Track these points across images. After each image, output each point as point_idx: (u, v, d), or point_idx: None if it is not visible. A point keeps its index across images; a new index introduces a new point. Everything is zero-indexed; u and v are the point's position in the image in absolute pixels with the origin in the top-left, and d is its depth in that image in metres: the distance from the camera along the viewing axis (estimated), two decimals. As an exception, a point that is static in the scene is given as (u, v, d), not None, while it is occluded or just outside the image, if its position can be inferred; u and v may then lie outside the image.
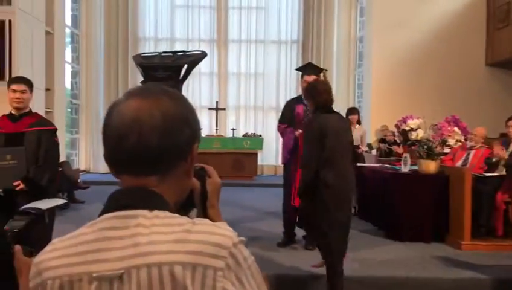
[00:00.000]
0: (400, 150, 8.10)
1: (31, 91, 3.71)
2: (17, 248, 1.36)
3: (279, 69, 12.65)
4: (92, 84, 12.46)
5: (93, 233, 0.88)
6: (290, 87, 12.79)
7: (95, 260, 0.86)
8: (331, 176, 3.50)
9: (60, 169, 7.65)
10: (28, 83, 3.70)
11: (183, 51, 1.74)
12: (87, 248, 0.87)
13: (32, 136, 3.61)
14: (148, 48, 12.57)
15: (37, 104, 9.47)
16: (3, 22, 8.57)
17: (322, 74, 4.94)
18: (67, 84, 11.84)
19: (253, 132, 12.09)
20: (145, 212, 0.88)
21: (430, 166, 5.49)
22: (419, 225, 5.41)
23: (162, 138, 0.89)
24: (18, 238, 1.49)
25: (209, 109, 11.56)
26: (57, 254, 0.89)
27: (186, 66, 1.61)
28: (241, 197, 8.26)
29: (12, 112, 3.68)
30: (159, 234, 0.85)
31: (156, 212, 0.88)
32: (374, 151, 9.28)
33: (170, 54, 1.67)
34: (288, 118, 5.11)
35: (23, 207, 2.16)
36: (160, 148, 0.89)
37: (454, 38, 10.29)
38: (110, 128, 0.92)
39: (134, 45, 12.43)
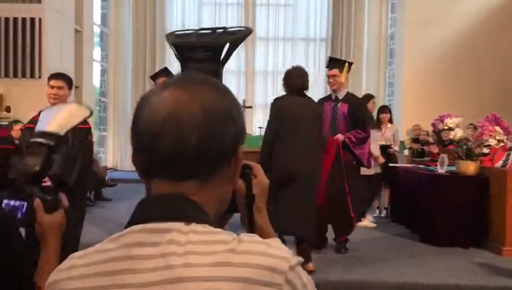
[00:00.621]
0: (435, 149, 7.79)
1: (70, 88, 3.64)
2: (37, 202, 1.24)
3: (307, 66, 12.34)
4: (120, 82, 12.50)
5: (117, 250, 0.72)
6: (318, 85, 12.54)
7: (118, 284, 0.70)
8: (273, 157, 3.78)
9: (88, 166, 7.65)
10: (67, 80, 3.62)
11: (223, 28, 1.54)
12: (110, 268, 0.71)
13: (66, 134, 3.53)
14: (176, 45, 12.49)
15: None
16: (33, 19, 8.63)
17: (345, 66, 4.68)
18: (96, 82, 11.91)
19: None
20: (180, 225, 0.72)
21: (469, 167, 5.21)
22: (457, 229, 5.14)
23: (202, 137, 0.73)
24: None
25: (236, 107, 11.50)
26: (76, 274, 0.74)
27: (228, 45, 1.40)
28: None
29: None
30: (196, 254, 0.69)
31: (193, 226, 0.72)
32: (406, 151, 8.98)
33: (209, 31, 1.47)
34: None
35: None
36: (200, 149, 0.73)
37: (491, 34, 9.87)
38: (141, 126, 0.76)
39: (161, 43, 12.40)
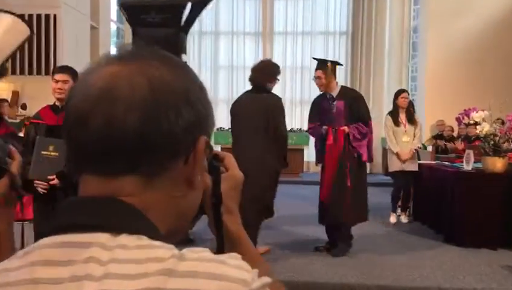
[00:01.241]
0: (460, 145, 7.46)
1: (75, 81, 3.47)
2: None
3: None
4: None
5: (18, 270, 0.54)
6: (339, 80, 12.23)
7: None
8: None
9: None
10: (72, 73, 3.45)
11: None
12: None
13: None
14: (193, 42, 12.39)
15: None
16: (48, 16, 8.59)
17: (328, 67, 4.52)
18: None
19: (299, 127, 11.65)
20: (105, 237, 0.53)
21: (497, 163, 4.90)
22: (484, 229, 4.83)
23: (145, 119, 0.55)
24: None
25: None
26: None
27: (189, 5, 1.13)
28: (287, 195, 7.87)
29: (56, 103, 3.46)
30: (118, 278, 0.51)
31: (123, 239, 0.53)
32: (429, 148, 8.64)
33: (171, -13, 1.20)
34: (316, 116, 4.68)
35: None
36: (141, 135, 0.55)
37: (520, 24, 9.43)
38: (70, 106, 0.59)
39: (178, 39, 12.27)
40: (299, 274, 3.94)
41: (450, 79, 9.69)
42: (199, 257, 0.53)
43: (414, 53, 11.70)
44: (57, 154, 3.22)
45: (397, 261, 4.31)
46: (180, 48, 1.03)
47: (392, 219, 6.18)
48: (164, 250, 0.53)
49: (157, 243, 0.54)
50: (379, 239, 5.20)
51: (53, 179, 3.17)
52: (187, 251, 0.54)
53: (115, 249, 0.52)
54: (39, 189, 3.16)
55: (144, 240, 0.53)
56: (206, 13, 12.30)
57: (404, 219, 6.14)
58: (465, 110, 5.33)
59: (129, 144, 0.55)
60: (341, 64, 4.94)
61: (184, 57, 11.12)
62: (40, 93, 8.45)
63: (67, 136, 0.59)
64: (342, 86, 4.67)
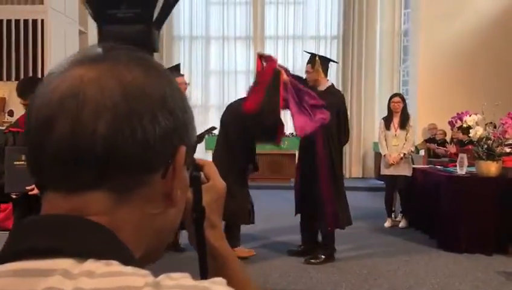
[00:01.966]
0: (453, 149, 7.42)
1: None
2: None
3: (318, 65, 12.08)
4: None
5: None
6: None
7: None
8: None
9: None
10: None
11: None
12: None
13: None
14: (183, 46, 12.30)
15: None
16: (35, 21, 8.46)
17: (316, 61, 4.45)
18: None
19: (291, 132, 11.58)
20: (68, 263, 0.46)
21: (491, 168, 4.85)
22: (479, 234, 4.78)
23: (117, 128, 0.49)
24: None
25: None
26: None
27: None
28: (279, 201, 7.79)
29: None
30: None
31: (90, 265, 0.46)
32: (421, 152, 8.60)
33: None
34: None
35: None
36: (110, 144, 0.49)
37: (509, 27, 9.44)
38: (33, 110, 0.52)
39: (169, 43, 12.20)
40: (291, 283, 3.85)
41: (442, 82, 9.67)
42: (177, 284, 0.46)
43: (405, 57, 11.69)
44: None
45: (391, 268, 4.23)
46: (152, 46, 0.95)
47: (387, 223, 6.12)
48: (137, 278, 0.45)
49: (129, 269, 0.46)
50: (372, 245, 5.12)
51: (32, 189, 3.05)
52: (164, 278, 0.46)
53: (79, 278, 0.45)
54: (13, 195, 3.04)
55: (114, 266, 0.46)
56: (197, 18, 12.23)
57: (402, 224, 6.07)
58: (457, 113, 5.27)
59: (98, 155, 0.48)
60: (335, 62, 4.89)
61: (174, 62, 10.86)
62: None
63: (29, 144, 0.52)
64: (330, 85, 4.52)
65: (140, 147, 0.49)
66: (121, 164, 0.49)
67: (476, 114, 5.06)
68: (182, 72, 4.97)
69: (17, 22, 8.39)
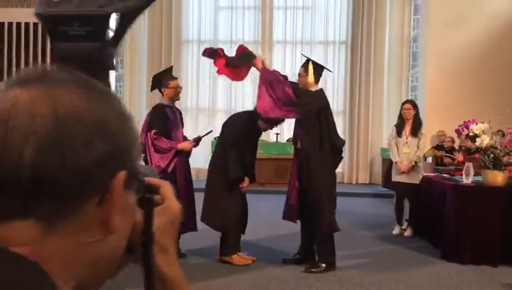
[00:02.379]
0: (460, 157, 7.33)
1: None
2: None
3: (326, 71, 12.01)
4: (136, 88, 12.36)
5: None
6: (338, 89, 12.16)
7: None
8: None
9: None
10: None
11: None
12: None
13: None
14: (192, 50, 12.33)
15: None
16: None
17: (309, 66, 4.44)
18: (111, 88, 11.78)
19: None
20: None
21: (497, 177, 4.77)
22: (484, 245, 4.70)
23: (46, 153, 0.47)
24: None
25: (253, 112, 11.14)
26: None
27: (119, 15, 0.99)
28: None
29: None
30: None
31: None
32: (429, 159, 8.51)
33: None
34: None
35: None
36: (38, 170, 0.46)
37: (521, 34, 9.33)
38: None
39: (177, 48, 12.24)
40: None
41: (451, 89, 9.58)
42: None
43: (414, 63, 11.59)
44: None
45: (393, 278, 4.17)
46: (107, 65, 0.92)
47: (396, 230, 6.05)
48: None
49: None
50: (375, 254, 5.06)
51: None
52: None
53: None
54: None
55: None
56: (205, 22, 12.25)
57: (407, 232, 5.99)
58: (464, 122, 5.20)
59: (24, 183, 0.46)
60: (329, 70, 4.88)
61: (182, 66, 10.97)
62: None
63: None
64: (320, 89, 4.49)
65: (71, 174, 0.47)
66: (50, 191, 0.47)
67: (482, 122, 4.98)
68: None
69: (27, 25, 8.47)
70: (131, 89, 12.46)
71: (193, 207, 4.56)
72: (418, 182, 5.84)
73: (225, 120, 4.80)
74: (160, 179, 0.70)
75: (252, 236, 5.26)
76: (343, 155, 4.64)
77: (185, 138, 4.66)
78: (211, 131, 4.94)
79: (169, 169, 4.32)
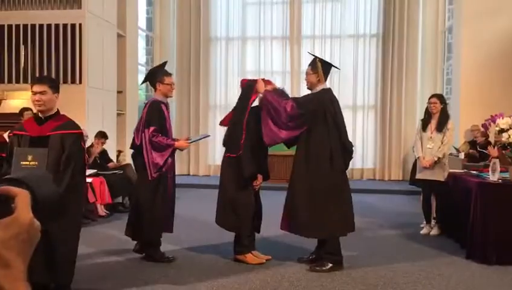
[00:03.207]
0: (495, 152, 7.00)
1: (54, 92, 3.43)
2: None
3: (356, 65, 11.79)
4: (166, 86, 12.50)
5: None
6: (369, 84, 11.88)
7: None
8: None
9: (121, 172, 7.56)
10: (50, 83, 3.44)
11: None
12: None
13: (56, 140, 3.34)
14: (220, 47, 12.35)
15: (108, 106, 9.57)
16: (73, 25, 8.72)
17: (316, 64, 4.28)
18: (142, 86, 11.96)
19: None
20: None
21: (525, 174, 4.51)
22: (510, 245, 4.45)
23: None
24: None
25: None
26: None
27: None
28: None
29: (39, 114, 3.45)
30: None
31: None
32: (461, 155, 8.17)
33: None
34: None
35: None
36: None
37: None
38: None
39: (205, 45, 12.28)
40: (301, 292, 3.73)
41: (485, 82, 9.17)
42: None
43: (449, 55, 11.18)
44: (36, 163, 3.18)
45: (410, 279, 4.01)
46: None
47: (424, 230, 5.85)
48: None
49: None
50: (396, 253, 4.89)
51: None
52: None
53: None
54: None
55: None
56: (233, 19, 12.22)
57: (434, 231, 5.79)
58: (491, 116, 4.95)
59: None
60: (336, 67, 4.74)
61: (211, 63, 11.05)
62: (66, 101, 8.59)
63: None
64: (323, 88, 4.30)
65: None
66: None
67: (510, 116, 4.72)
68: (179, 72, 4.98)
69: (57, 26, 8.69)
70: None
71: (173, 207, 4.57)
72: (443, 179, 5.60)
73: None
74: (20, 189, 0.66)
75: (269, 233, 5.20)
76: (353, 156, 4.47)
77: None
78: (208, 135, 4.94)
79: (165, 168, 4.31)
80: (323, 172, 4.11)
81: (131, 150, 4.60)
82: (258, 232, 4.57)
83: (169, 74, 4.64)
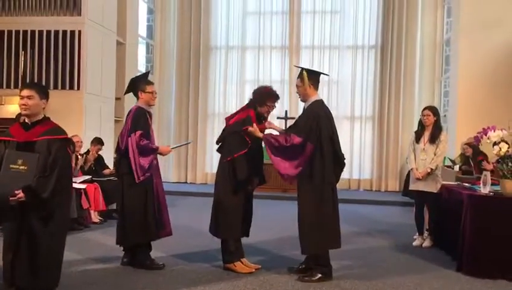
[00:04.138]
0: (489, 166, 7.01)
1: (42, 97, 3.44)
2: None
3: (354, 76, 11.85)
4: (165, 93, 12.56)
5: None
6: (367, 95, 11.92)
7: None
8: None
9: (117, 178, 7.55)
10: (37, 89, 3.46)
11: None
12: None
13: (43, 146, 3.35)
14: (219, 56, 12.42)
15: (106, 113, 9.61)
16: (73, 32, 8.79)
17: (303, 75, 4.24)
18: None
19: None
20: None
21: (516, 187, 4.50)
22: (501, 259, 4.44)
23: None
24: None
25: (278, 118, 10.99)
26: None
27: None
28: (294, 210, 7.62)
29: (26, 119, 3.47)
30: None
31: None
32: (456, 167, 8.18)
33: None
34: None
35: None
36: None
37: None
38: None
39: (205, 54, 12.36)
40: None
41: (483, 94, 9.21)
42: None
43: (447, 67, 11.23)
44: (25, 167, 3.20)
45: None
46: None
47: (416, 241, 5.85)
48: None
49: None
50: (387, 264, 4.88)
51: (19, 194, 3.13)
52: None
53: None
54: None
55: None
56: (233, 28, 12.30)
57: (426, 243, 5.78)
58: (483, 128, 4.96)
59: None
60: (325, 74, 4.71)
61: (210, 72, 11.13)
62: (64, 107, 8.65)
63: None
64: (316, 100, 4.26)
65: None
66: None
67: (502, 129, 4.73)
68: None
69: (56, 32, 8.76)
70: (160, 94, 12.66)
71: (166, 211, 4.56)
72: (436, 191, 5.61)
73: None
74: None
75: (261, 242, 5.20)
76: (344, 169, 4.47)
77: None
78: (190, 142, 4.92)
79: (150, 171, 4.34)
80: (314, 186, 4.13)
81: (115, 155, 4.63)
82: (247, 236, 4.57)
83: (151, 83, 4.65)
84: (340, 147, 4.26)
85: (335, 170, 4.19)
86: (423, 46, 11.67)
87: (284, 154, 4.09)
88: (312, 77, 4.27)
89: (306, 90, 4.23)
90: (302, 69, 4.33)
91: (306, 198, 4.17)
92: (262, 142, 4.32)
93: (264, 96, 4.41)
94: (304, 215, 4.18)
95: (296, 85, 4.37)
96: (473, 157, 7.74)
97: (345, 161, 4.36)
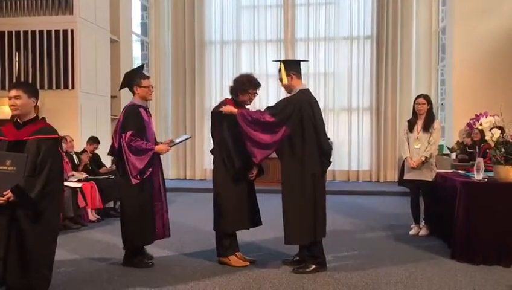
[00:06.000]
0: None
1: (30, 96, 3.43)
2: None
3: (351, 67, 11.81)
4: (161, 90, 12.55)
5: None
6: (364, 86, 11.89)
7: None
8: None
9: (113, 177, 7.53)
10: (25, 88, 3.45)
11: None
12: None
13: (33, 145, 3.34)
14: (215, 51, 12.39)
15: (101, 111, 9.61)
16: (65, 31, 8.77)
17: (281, 67, 4.24)
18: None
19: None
20: None
21: (509, 173, 4.49)
22: (496, 244, 4.44)
23: None
24: None
25: (275, 111, 11.00)
26: None
27: None
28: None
29: (17, 119, 3.47)
30: None
31: None
32: (453, 155, 8.18)
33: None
34: None
35: None
36: None
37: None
38: None
39: (200, 49, 12.33)
40: (281, 293, 3.73)
41: (478, 81, 9.17)
42: None
43: (443, 56, 11.18)
44: (14, 168, 3.20)
45: (392, 280, 4.00)
46: None
47: (413, 231, 5.84)
48: None
49: None
50: (382, 254, 4.88)
51: (7, 194, 3.13)
52: None
53: None
54: None
55: None
56: (228, 22, 12.26)
57: (422, 232, 5.78)
58: (476, 115, 4.94)
59: None
60: (305, 60, 4.70)
61: (206, 67, 11.12)
62: (59, 107, 8.65)
63: None
64: (301, 89, 4.23)
65: None
66: None
67: (494, 115, 4.71)
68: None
69: (49, 32, 8.74)
70: (156, 91, 12.65)
71: (163, 214, 4.48)
72: (430, 179, 5.60)
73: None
74: None
75: (256, 236, 5.21)
76: (331, 160, 4.43)
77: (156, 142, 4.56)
78: (189, 137, 4.88)
79: (148, 173, 4.25)
80: (295, 176, 4.11)
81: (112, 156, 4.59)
82: (260, 224, 4.54)
83: (147, 77, 4.58)
84: (326, 137, 4.23)
85: (321, 160, 4.16)
86: (419, 35, 11.62)
87: (255, 126, 4.03)
88: (291, 67, 4.24)
89: (288, 82, 4.21)
90: (280, 62, 4.31)
91: (287, 188, 4.15)
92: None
93: (246, 84, 4.36)
94: (285, 205, 4.16)
95: (279, 79, 4.35)
96: (479, 143, 7.70)
97: (331, 150, 4.33)
